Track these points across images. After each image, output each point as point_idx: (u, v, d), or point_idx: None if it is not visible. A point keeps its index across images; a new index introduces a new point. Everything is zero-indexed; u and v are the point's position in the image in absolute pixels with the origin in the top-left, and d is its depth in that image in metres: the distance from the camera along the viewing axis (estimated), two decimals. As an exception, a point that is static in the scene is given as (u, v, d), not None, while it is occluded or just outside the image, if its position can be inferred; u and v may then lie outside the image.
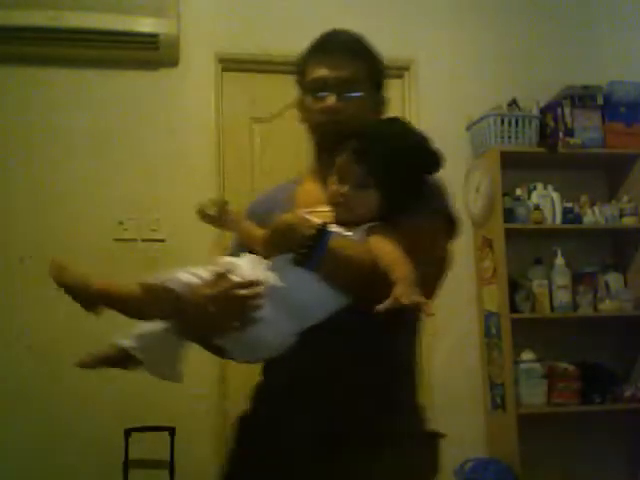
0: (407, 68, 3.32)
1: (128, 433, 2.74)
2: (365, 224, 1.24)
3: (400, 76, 3.34)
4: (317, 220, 1.20)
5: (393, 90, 3.36)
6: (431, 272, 1.26)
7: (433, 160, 1.28)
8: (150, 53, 2.99)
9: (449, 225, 1.35)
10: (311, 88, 1.38)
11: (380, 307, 1.07)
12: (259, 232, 1.29)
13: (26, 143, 2.96)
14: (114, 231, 2.96)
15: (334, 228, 1.22)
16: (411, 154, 1.28)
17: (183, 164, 3.05)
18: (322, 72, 1.36)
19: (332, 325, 1.21)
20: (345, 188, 1.25)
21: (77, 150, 2.99)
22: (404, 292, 1.08)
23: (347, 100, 1.35)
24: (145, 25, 2.89)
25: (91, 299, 1.21)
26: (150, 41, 2.93)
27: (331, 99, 1.34)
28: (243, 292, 1.15)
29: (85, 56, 2.99)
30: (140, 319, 1.26)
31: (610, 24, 3.53)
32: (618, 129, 3.23)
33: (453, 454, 2.98)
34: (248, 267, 1.21)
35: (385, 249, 1.18)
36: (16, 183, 2.93)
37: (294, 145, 3.17)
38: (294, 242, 1.18)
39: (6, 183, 2.93)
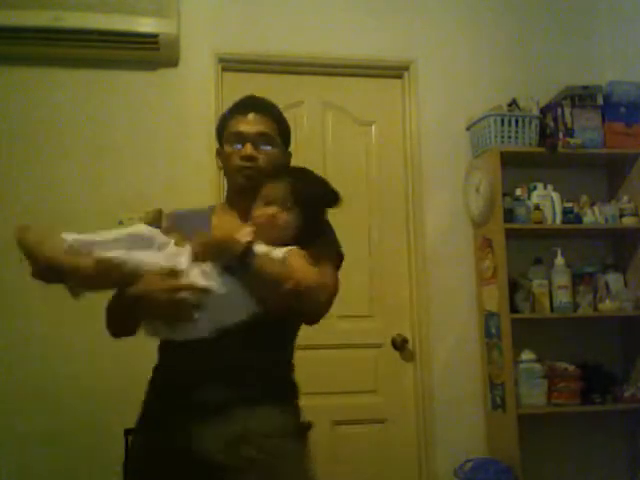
0: (407, 68, 3.32)
1: (128, 433, 2.73)
2: (282, 246, 1.48)
3: (400, 76, 3.34)
4: (246, 238, 1.42)
5: (393, 90, 3.41)
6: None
7: (336, 196, 1.60)
8: (150, 53, 2.99)
9: (340, 257, 1.65)
10: (231, 140, 1.67)
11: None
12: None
13: (26, 143, 2.96)
14: (114, 231, 2.96)
15: (261, 246, 1.44)
16: (322, 190, 1.60)
17: (183, 164, 3.05)
18: (241, 127, 1.67)
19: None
20: (273, 209, 1.52)
21: (77, 150, 2.99)
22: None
23: (261, 150, 1.65)
24: (145, 25, 2.89)
25: (40, 266, 1.35)
26: (150, 41, 2.93)
27: (248, 148, 1.63)
28: (189, 296, 1.39)
29: (85, 56, 2.99)
30: (87, 289, 1.40)
31: (610, 24, 3.53)
32: (618, 129, 3.23)
33: (453, 454, 3.00)
34: (197, 272, 1.42)
35: (303, 268, 1.45)
36: (16, 183, 2.93)
37: (293, 144, 3.18)
38: (228, 254, 1.40)
39: (6, 183, 2.93)
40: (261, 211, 1.54)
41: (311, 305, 1.48)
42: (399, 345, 3.14)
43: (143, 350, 3.05)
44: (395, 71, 3.34)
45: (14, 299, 2.85)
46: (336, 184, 1.63)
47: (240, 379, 1.49)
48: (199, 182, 3.03)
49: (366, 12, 3.31)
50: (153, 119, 3.06)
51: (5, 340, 2.83)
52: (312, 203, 1.57)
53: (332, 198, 1.60)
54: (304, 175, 1.62)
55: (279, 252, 1.46)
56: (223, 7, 3.18)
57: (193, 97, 3.10)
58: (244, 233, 1.42)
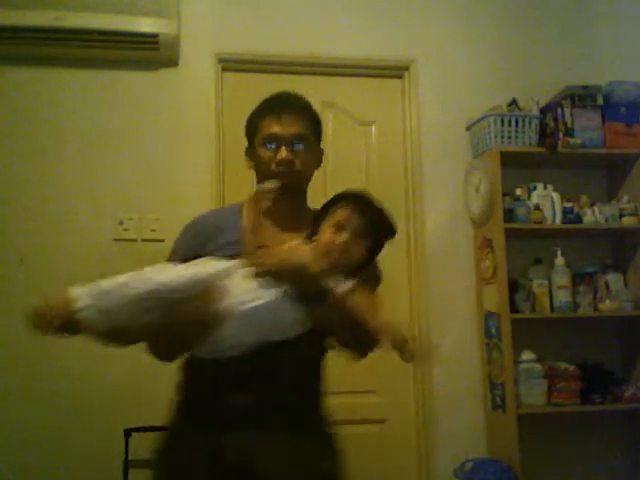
0: (407, 68, 3.32)
1: (128, 433, 2.73)
2: (349, 276, 1.43)
3: (400, 76, 3.34)
4: (324, 265, 1.39)
5: (393, 90, 3.41)
6: None
7: (395, 228, 1.54)
8: (150, 53, 2.99)
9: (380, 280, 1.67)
10: (265, 142, 1.61)
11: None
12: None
13: (26, 143, 2.96)
14: (114, 231, 2.96)
15: (336, 279, 1.40)
16: (391, 222, 1.53)
17: (183, 164, 3.05)
18: (275, 129, 1.60)
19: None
20: (347, 237, 1.45)
21: (77, 150, 2.99)
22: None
23: (296, 152, 1.60)
24: (145, 25, 2.89)
25: None
26: (150, 41, 2.93)
27: (284, 152, 1.58)
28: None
29: (85, 56, 2.99)
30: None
31: (610, 24, 3.53)
32: (618, 129, 3.23)
33: (453, 454, 3.00)
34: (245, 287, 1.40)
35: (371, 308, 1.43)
36: (16, 183, 2.93)
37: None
38: (304, 283, 1.38)
39: (6, 183, 2.93)
40: (332, 237, 1.46)
41: (375, 346, 1.47)
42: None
43: (142, 350, 3.05)
44: (395, 71, 3.34)
45: (14, 299, 2.85)
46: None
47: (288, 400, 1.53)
48: (199, 182, 3.03)
49: (366, 12, 3.31)
50: (153, 119, 3.06)
51: (5, 339, 2.83)
52: (384, 236, 1.52)
53: (394, 230, 1.55)
54: (374, 204, 1.53)
55: (344, 286, 1.41)
56: (223, 7, 3.18)
57: (193, 97, 3.10)
58: (317, 259, 1.40)
